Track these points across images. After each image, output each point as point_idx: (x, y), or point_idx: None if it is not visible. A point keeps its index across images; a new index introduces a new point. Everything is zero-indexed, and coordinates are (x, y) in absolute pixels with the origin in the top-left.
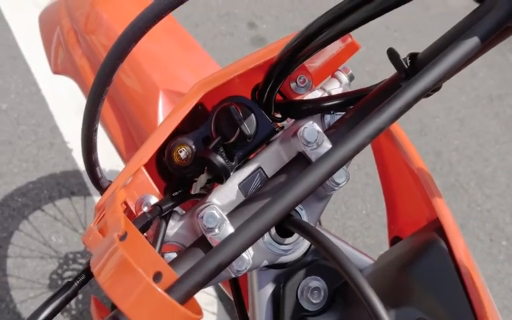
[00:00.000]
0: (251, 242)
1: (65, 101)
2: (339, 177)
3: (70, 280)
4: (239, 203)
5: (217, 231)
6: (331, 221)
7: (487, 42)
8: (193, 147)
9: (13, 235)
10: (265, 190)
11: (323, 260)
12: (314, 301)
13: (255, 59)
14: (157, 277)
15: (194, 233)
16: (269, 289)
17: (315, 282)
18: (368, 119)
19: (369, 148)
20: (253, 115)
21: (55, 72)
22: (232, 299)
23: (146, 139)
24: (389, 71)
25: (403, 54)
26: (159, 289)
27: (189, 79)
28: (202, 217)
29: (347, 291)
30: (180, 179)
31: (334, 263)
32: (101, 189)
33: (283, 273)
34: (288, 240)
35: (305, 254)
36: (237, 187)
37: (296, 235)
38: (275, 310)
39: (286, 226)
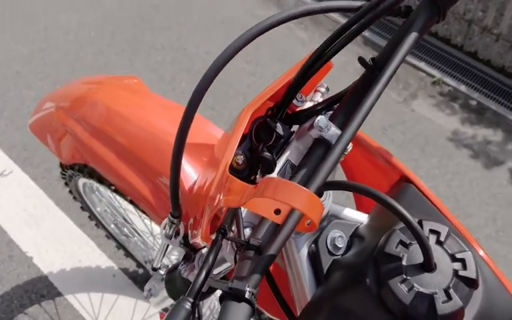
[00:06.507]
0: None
1: (15, 215)
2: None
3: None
4: None
5: None
6: None
7: (419, 37)
8: (243, 155)
9: None
10: (300, 170)
11: (338, 219)
12: (339, 246)
13: (279, 82)
14: None
15: None
16: (305, 249)
17: (337, 233)
18: (362, 103)
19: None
20: (279, 124)
21: (66, 162)
22: None
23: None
24: None
25: None
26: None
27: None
28: None
29: (358, 234)
30: None
31: (372, 197)
32: (177, 210)
33: (312, 234)
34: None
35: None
36: (276, 175)
37: (323, 197)
38: (313, 263)
39: (324, 189)
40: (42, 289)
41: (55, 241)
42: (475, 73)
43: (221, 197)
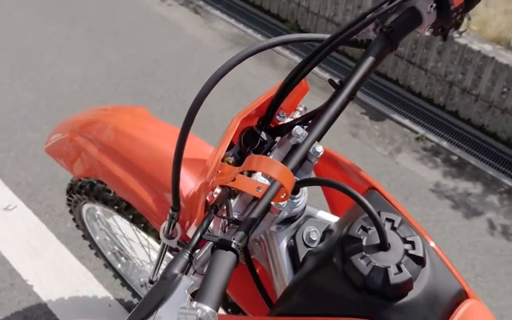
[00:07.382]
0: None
1: (18, 246)
2: (318, 149)
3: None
4: None
5: None
6: None
7: (376, 62)
8: (233, 157)
9: None
10: None
11: (312, 218)
12: (314, 238)
13: (263, 98)
14: None
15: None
16: (285, 242)
17: (312, 228)
18: (327, 110)
19: None
20: (263, 132)
21: (79, 177)
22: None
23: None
24: None
25: None
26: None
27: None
28: None
29: (330, 230)
30: None
31: (338, 188)
32: (177, 204)
33: (290, 230)
34: (296, 196)
35: (302, 212)
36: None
37: (299, 194)
38: (291, 254)
39: (300, 186)
40: (41, 315)
41: (55, 271)
42: (456, 131)
43: (214, 179)
